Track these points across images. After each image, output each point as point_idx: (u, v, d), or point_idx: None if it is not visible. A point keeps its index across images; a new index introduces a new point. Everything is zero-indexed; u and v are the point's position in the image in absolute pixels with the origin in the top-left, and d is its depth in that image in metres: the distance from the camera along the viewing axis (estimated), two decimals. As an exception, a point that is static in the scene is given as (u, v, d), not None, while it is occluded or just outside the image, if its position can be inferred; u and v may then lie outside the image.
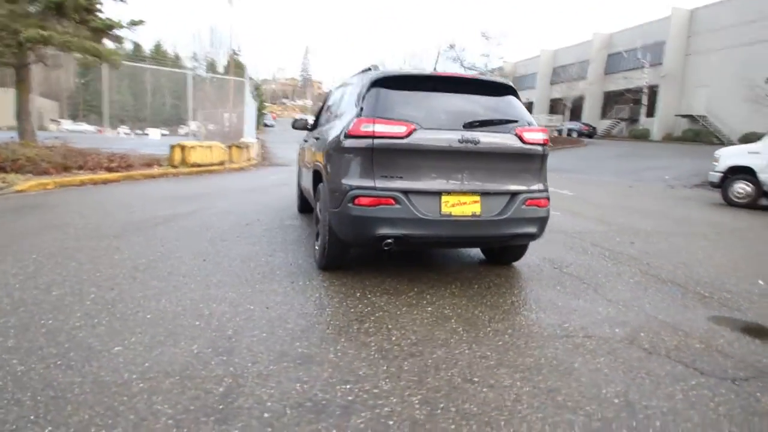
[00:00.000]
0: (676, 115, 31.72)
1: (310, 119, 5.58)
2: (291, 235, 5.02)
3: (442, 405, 1.99)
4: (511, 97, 3.56)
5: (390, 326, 2.78)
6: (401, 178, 3.14)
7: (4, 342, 2.36)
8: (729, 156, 9.79)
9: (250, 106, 19.81)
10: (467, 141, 3.16)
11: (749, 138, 24.61)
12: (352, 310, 3.00)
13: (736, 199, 9.38)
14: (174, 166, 10.84)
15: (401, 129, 3.08)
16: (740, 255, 5.12)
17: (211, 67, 59.95)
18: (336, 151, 3.32)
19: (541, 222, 3.44)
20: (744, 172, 9.31)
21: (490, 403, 2.02)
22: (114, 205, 6.49)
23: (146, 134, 31.05)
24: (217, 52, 63.09)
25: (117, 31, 9.90)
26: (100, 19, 9.84)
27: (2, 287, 3.09)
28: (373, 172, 3.13)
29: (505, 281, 3.76)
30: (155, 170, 10.22)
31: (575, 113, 40.70)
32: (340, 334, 2.64)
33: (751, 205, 9.16)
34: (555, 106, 43.46)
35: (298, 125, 5.67)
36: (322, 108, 5.48)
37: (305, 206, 6.14)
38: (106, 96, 22.80)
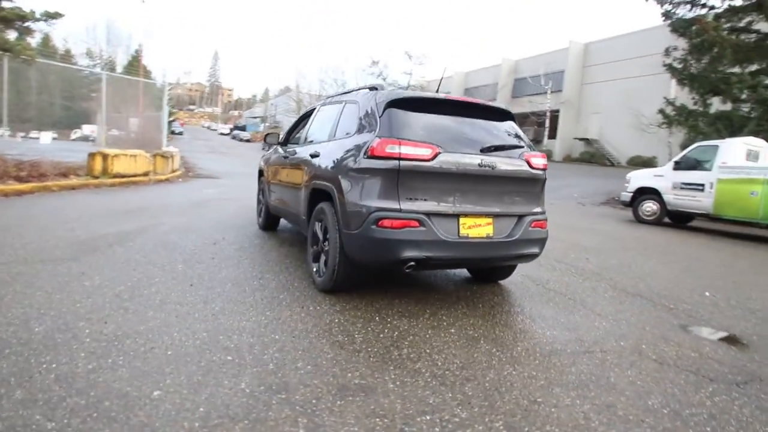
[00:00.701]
0: (574, 138, 35.11)
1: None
2: (270, 255, 4.78)
3: (526, 429, 2.03)
4: (511, 123, 3.76)
5: (428, 350, 2.76)
6: (425, 200, 3.16)
7: (11, 394, 1.99)
8: (638, 178, 11.05)
9: (165, 112, 18.58)
10: (486, 165, 3.28)
11: (635, 161, 28.10)
12: (381, 335, 2.94)
13: (645, 217, 10.60)
14: (95, 177, 9.81)
15: (427, 152, 3.11)
16: (677, 269, 5.80)
17: (109, 66, 55.17)
18: (353, 171, 3.26)
19: (542, 242, 3.65)
20: (651, 193, 10.56)
21: (567, 422, 2.10)
22: (46, 221, 5.71)
23: (33, 138, 27.64)
24: (115, 50, 58.12)
25: (31, 24, 8.76)
26: (8, 7, 8.66)
27: (-33, 326, 2.60)
28: (397, 193, 3.12)
29: (504, 299, 3.92)
30: (74, 181, 9.17)
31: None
32: (385, 362, 2.57)
33: (657, 222, 10.42)
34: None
35: (271, 140, 5.46)
36: (299, 123, 5.34)
37: (270, 223, 5.90)
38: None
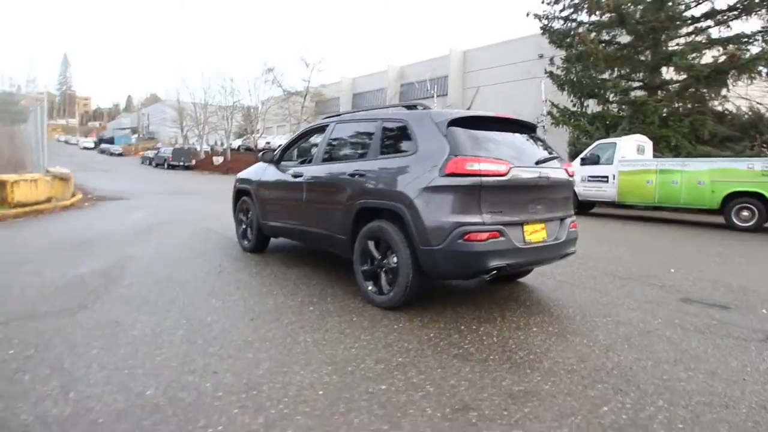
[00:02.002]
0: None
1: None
2: (289, 277, 4.58)
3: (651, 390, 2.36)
4: (536, 134, 4.14)
5: (532, 356, 2.95)
6: (501, 212, 3.37)
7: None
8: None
9: (42, 123, 16.26)
10: (543, 177, 3.60)
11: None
12: (485, 343, 3.09)
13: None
14: (-8, 208, 8.28)
15: (503, 167, 3.33)
16: (627, 252, 6.75)
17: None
18: (429, 189, 3.34)
19: (576, 241, 4.08)
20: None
21: (697, 392, 2.48)
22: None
23: None
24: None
25: None
26: None
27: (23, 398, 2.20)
28: (480, 208, 3.28)
29: (541, 295, 4.28)
30: (-33, 215, 7.66)
31: (377, 136, 44.56)
32: (519, 366, 2.74)
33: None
34: (360, 129, 46.75)
35: (266, 157, 5.20)
36: (297, 142, 5.18)
37: (262, 245, 5.63)
38: None
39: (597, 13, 16.55)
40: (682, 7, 15.63)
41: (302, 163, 5.38)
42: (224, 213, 9.63)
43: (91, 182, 17.47)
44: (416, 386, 2.46)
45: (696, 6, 15.70)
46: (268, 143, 32.81)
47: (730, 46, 15.39)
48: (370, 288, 3.80)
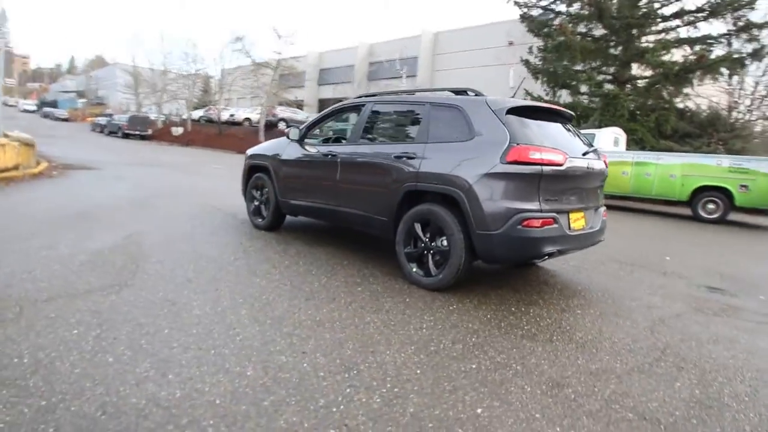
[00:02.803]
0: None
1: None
2: (319, 256, 4.54)
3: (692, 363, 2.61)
4: (572, 124, 4.29)
5: (590, 337, 3.14)
6: (555, 200, 3.51)
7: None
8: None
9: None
10: (589, 167, 3.75)
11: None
12: (541, 324, 3.25)
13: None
14: (-42, 174, 7.62)
15: (561, 157, 3.45)
16: (619, 240, 7.14)
17: None
18: (489, 176, 3.41)
19: (605, 230, 4.30)
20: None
21: (724, 365, 2.75)
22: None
23: None
24: None
25: None
26: None
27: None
28: (538, 195, 3.40)
29: (561, 279, 4.51)
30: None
31: (342, 114, 44.06)
32: (588, 347, 2.91)
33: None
34: (323, 107, 46.07)
35: (292, 134, 5.06)
36: (325, 119, 5.10)
37: (278, 222, 5.54)
38: None
39: (576, 5, 16.94)
40: (657, 5, 16.27)
41: (327, 141, 5.31)
42: (215, 188, 9.37)
43: (47, 149, 16.30)
44: (503, 365, 2.58)
45: (668, 5, 16.38)
46: (232, 115, 31.70)
47: (697, 47, 16.25)
48: (414, 270, 3.86)
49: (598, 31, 17.49)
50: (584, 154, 3.80)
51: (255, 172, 5.74)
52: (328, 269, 4.17)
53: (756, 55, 15.48)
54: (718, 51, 15.90)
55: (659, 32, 17.09)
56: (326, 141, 5.41)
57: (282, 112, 28.99)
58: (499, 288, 3.99)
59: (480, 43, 33.91)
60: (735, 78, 17.16)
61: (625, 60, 16.85)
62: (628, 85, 17.55)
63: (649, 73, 17.19)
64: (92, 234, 4.86)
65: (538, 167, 3.35)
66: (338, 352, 2.57)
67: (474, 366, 2.54)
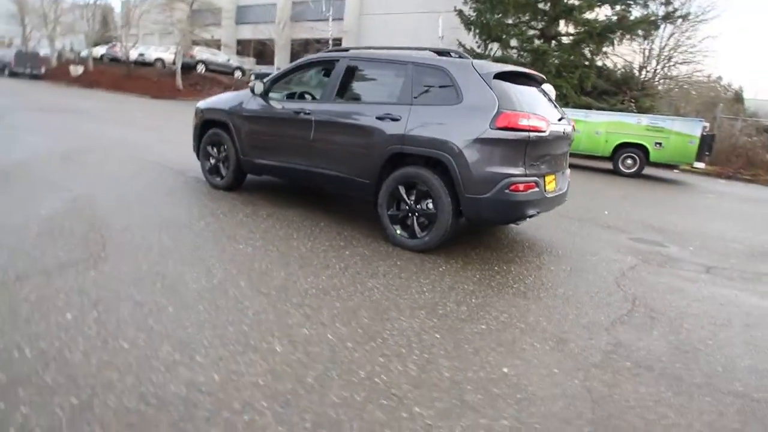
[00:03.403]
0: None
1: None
2: (294, 219, 4.44)
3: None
4: (544, 87, 4.45)
5: (571, 292, 3.47)
6: (538, 165, 3.68)
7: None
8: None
9: None
10: (564, 133, 3.96)
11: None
12: (521, 284, 3.50)
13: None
14: None
15: (545, 123, 3.59)
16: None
17: None
18: (478, 141, 3.48)
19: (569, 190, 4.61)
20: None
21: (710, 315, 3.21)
22: None
23: None
24: None
25: None
26: None
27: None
28: (524, 161, 3.55)
29: (512, 233, 4.82)
30: None
31: (263, 57, 41.65)
32: (573, 306, 3.20)
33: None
34: (243, 48, 43.08)
35: (256, 88, 4.72)
36: (291, 73, 4.81)
37: (239, 181, 5.28)
38: None
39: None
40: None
41: (292, 97, 5.05)
42: (147, 141, 8.58)
43: None
44: (509, 324, 2.77)
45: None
46: (141, 55, 28.67)
47: (618, 7, 17.12)
48: (398, 232, 3.92)
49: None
50: (559, 120, 3.99)
51: (210, 127, 5.35)
52: (308, 233, 4.10)
53: (668, 17, 16.68)
54: (635, 12, 16.91)
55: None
56: (290, 96, 5.14)
57: (200, 53, 26.71)
58: (475, 247, 4.19)
59: (415, -11, 33.02)
60: (646, 40, 18.42)
61: (554, 16, 17.38)
62: (554, 42, 18.24)
63: (573, 30, 17.93)
64: (32, 198, 4.34)
65: (526, 133, 3.48)
66: (356, 321, 2.61)
67: (483, 327, 2.71)
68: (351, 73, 4.30)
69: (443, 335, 2.56)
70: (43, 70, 27.45)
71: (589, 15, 17.12)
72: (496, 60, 18.24)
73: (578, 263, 4.07)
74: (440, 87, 3.76)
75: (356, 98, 4.25)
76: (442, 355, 2.36)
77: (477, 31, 18.61)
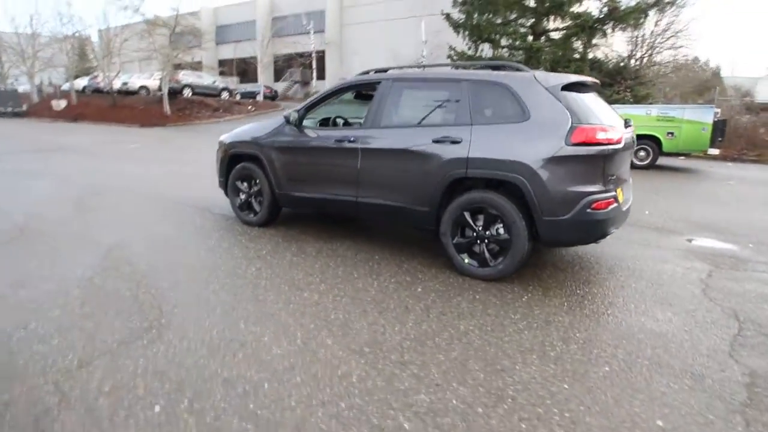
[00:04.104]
0: (341, 78, 36.77)
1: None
2: (346, 255, 4.17)
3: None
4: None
5: (681, 308, 3.24)
6: (616, 178, 3.45)
7: None
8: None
9: None
10: (631, 140, 3.74)
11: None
12: (592, 305, 3.26)
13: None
14: None
15: (619, 135, 3.37)
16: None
17: None
18: (554, 159, 3.25)
19: None
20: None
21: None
22: None
23: None
24: None
25: None
26: None
27: None
28: (604, 176, 3.32)
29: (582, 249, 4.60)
30: None
31: (246, 76, 41.42)
32: (649, 314, 2.97)
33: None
34: (227, 68, 42.78)
35: (291, 118, 4.44)
36: (324, 101, 4.53)
37: (274, 216, 5.00)
38: None
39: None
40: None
41: (326, 124, 4.81)
42: (154, 175, 8.24)
43: None
44: (631, 362, 2.53)
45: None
46: (125, 84, 28.23)
47: (603, -2, 17.10)
48: (467, 261, 3.67)
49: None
50: (626, 126, 3.77)
51: (238, 161, 5.07)
52: (367, 269, 3.84)
53: (657, 4, 16.70)
54: (624, 2, 16.90)
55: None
56: (324, 123, 4.89)
57: (186, 77, 26.32)
58: (542, 268, 3.96)
59: (389, -4, 33.02)
60: (636, 29, 18.45)
61: (543, 12, 17.33)
62: (543, 38, 18.19)
63: (562, 25, 17.90)
64: (60, 256, 4.02)
65: (603, 147, 3.25)
66: (471, 378, 2.35)
67: (607, 369, 2.47)
68: (396, 96, 4.05)
69: (571, 384, 2.30)
70: (25, 107, 26.89)
71: (577, 8, 17.10)
72: (490, 60, 18.15)
73: (655, 277, 3.84)
74: (503, 104, 3.52)
75: (406, 122, 3.99)
76: (583, 412, 2.10)
77: (467, 33, 18.48)
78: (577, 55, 17.63)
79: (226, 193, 5.27)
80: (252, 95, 33.87)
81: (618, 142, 3.35)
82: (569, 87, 3.46)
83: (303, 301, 3.21)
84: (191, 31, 25.85)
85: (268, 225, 5.00)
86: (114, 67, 26.69)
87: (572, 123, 3.25)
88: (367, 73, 4.44)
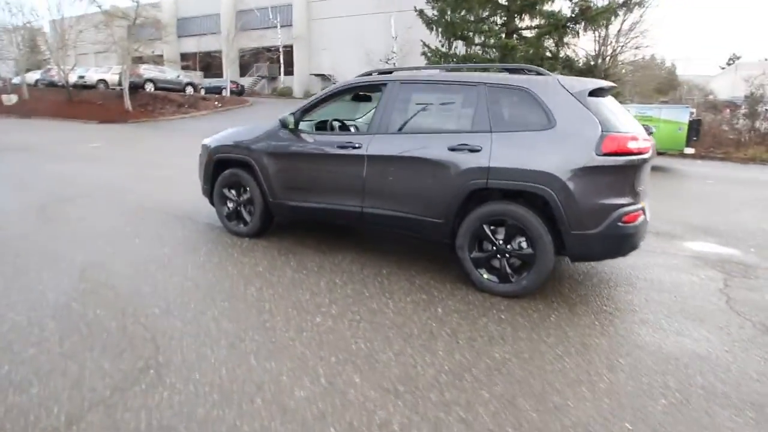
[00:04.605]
0: (311, 74, 36.15)
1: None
2: (351, 270, 3.87)
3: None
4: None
5: (722, 323, 3.11)
6: (642, 189, 3.29)
7: None
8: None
9: None
10: (654, 149, 3.59)
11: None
12: (615, 328, 3.11)
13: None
14: None
15: (648, 144, 3.20)
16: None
17: None
18: (583, 169, 3.05)
19: None
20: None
21: None
22: None
23: None
24: None
25: None
26: None
27: None
28: (633, 187, 3.15)
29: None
30: None
31: (210, 70, 40.14)
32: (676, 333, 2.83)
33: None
34: (191, 62, 41.28)
35: (286, 121, 4.08)
36: (322, 103, 4.20)
37: (267, 226, 4.63)
38: None
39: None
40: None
41: (323, 128, 4.49)
42: (122, 178, 7.63)
43: None
44: (686, 392, 2.35)
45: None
46: (81, 77, 26.71)
47: (575, -2, 17.27)
48: (485, 276, 3.44)
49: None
50: (649, 134, 3.62)
51: (224, 167, 4.68)
52: (378, 287, 3.55)
53: (625, 4, 17.01)
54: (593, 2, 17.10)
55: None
56: (321, 127, 4.55)
57: (148, 71, 25.11)
58: (559, 282, 3.78)
59: (359, -10, 32.52)
60: (605, 29, 18.78)
61: (516, 10, 17.35)
62: (515, 36, 18.23)
63: (534, 23, 17.99)
64: (28, 277, 3.56)
65: (635, 157, 3.08)
66: (526, 420, 2.11)
67: (664, 402, 2.28)
68: (405, 99, 3.77)
69: (634, 424, 2.11)
70: (-30, 101, 25.01)
71: (548, 7, 17.21)
72: (464, 58, 18.07)
73: (675, 288, 3.73)
74: (525, 110, 3.30)
75: (417, 127, 3.71)
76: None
77: (440, 30, 18.31)
78: (549, 54, 17.78)
79: (212, 201, 4.87)
80: (217, 90, 32.70)
81: (647, 152, 3.19)
82: (595, 93, 3.27)
83: (316, 327, 2.89)
84: (152, 23, 24.65)
85: (259, 236, 4.63)
86: (69, 60, 25.13)
87: (602, 131, 3.05)
88: (369, 74, 4.13)
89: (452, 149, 3.40)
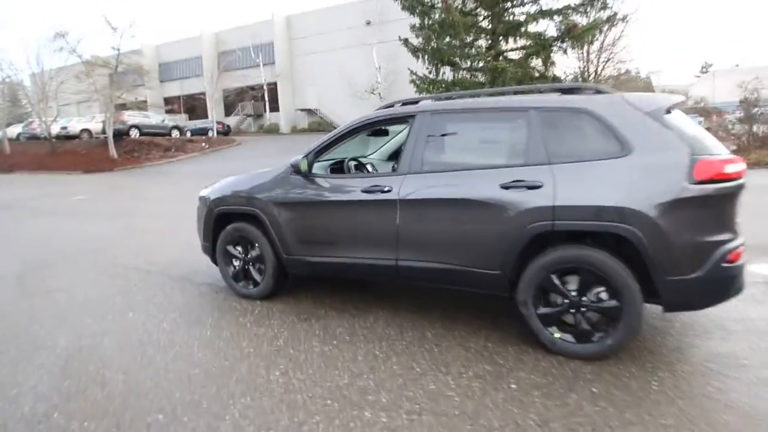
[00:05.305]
0: (297, 110, 36.03)
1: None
2: (391, 336, 3.26)
3: None
4: None
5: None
6: (738, 219, 2.76)
7: None
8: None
9: None
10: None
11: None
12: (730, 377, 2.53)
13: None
14: None
15: (743, 166, 2.70)
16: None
17: None
18: (676, 202, 2.52)
19: None
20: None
21: None
22: None
23: None
24: None
25: None
26: None
27: None
28: (733, 219, 2.63)
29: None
30: None
31: (194, 112, 39.94)
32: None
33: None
34: (175, 105, 41.09)
35: (299, 166, 3.53)
36: (339, 141, 3.68)
37: (277, 288, 4.01)
38: None
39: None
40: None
41: (338, 170, 3.95)
42: (110, 234, 6.97)
43: None
44: None
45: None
46: (64, 128, 26.20)
47: (556, 17, 17.28)
48: (558, 336, 2.85)
49: (469, 5, 17.64)
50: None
51: (227, 221, 4.09)
52: (428, 358, 2.94)
53: (609, 20, 17.06)
54: (576, 20, 17.09)
55: (523, 4, 17.78)
56: (337, 170, 4.01)
57: (132, 117, 24.66)
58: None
59: (337, 25, 32.82)
60: (590, 45, 18.82)
61: (502, 33, 17.31)
62: (501, 58, 18.14)
63: (520, 44, 17.96)
64: (1, 369, 2.88)
65: (732, 183, 2.57)
66: None
67: None
68: (439, 132, 3.24)
69: None
70: (-52, 160, 24.30)
71: (533, 27, 17.21)
72: (453, 83, 17.89)
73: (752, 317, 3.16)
74: (588, 136, 2.79)
75: (457, 164, 3.19)
76: None
77: (427, 57, 18.18)
78: (537, 74, 17.68)
79: (214, 261, 4.26)
80: (204, 131, 32.37)
81: (743, 175, 2.68)
82: (669, 110, 2.77)
83: (369, 427, 2.26)
84: (135, 70, 24.32)
85: (272, 297, 4.01)
86: (50, 112, 24.62)
87: (692, 155, 2.54)
88: (391, 105, 3.62)
89: (505, 187, 2.86)
